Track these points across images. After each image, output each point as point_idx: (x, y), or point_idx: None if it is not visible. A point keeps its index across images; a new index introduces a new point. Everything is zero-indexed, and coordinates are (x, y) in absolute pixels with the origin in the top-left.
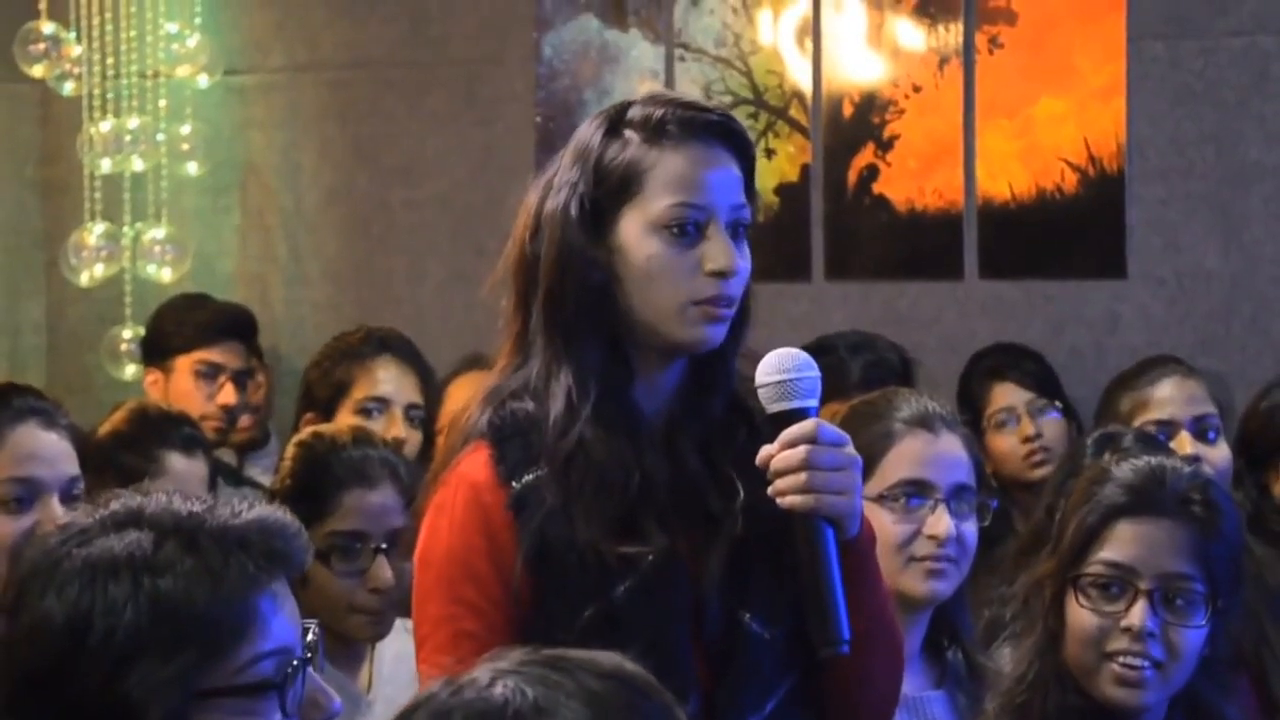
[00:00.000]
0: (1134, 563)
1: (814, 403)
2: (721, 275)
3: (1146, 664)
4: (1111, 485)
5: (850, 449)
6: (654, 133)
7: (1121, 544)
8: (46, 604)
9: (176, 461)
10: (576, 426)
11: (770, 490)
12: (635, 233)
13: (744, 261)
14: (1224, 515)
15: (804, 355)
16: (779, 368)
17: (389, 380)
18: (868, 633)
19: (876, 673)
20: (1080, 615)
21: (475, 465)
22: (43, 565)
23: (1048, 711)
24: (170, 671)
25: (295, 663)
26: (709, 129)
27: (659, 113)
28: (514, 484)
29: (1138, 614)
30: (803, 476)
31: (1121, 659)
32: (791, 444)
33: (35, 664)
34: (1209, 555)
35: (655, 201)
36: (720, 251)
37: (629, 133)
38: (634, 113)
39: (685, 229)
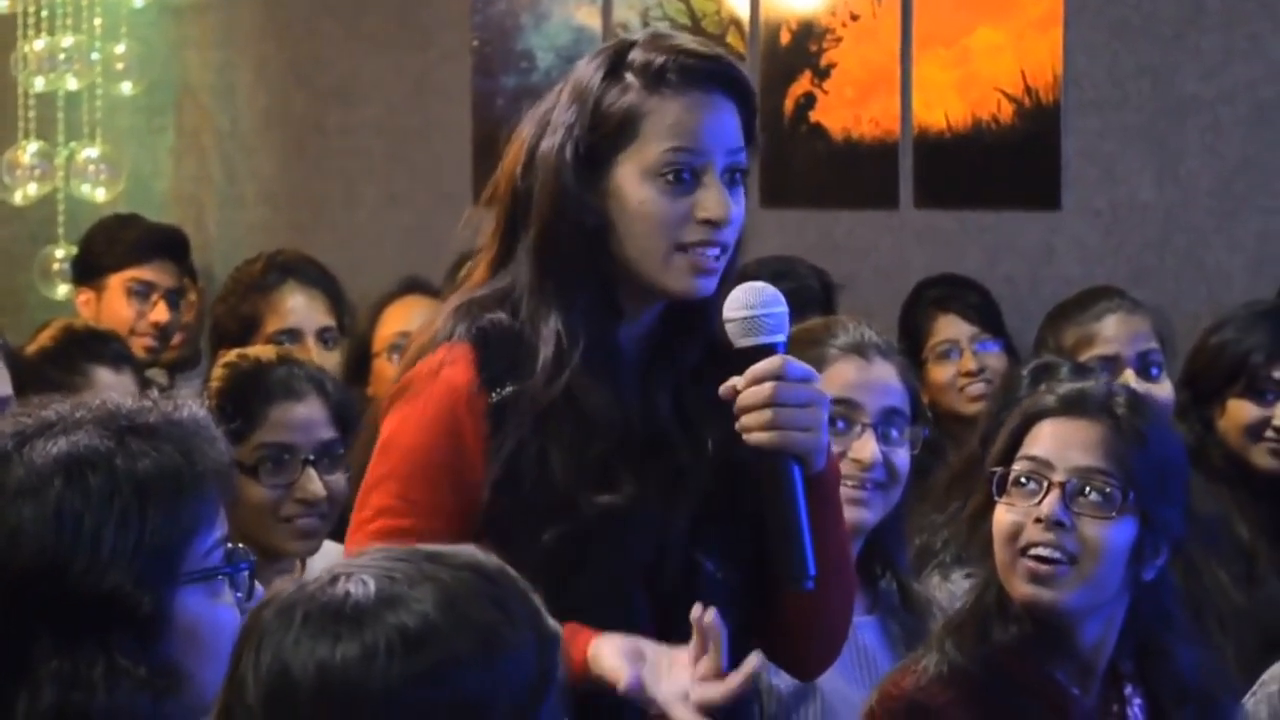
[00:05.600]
0: (1049, 456)
1: (781, 338)
2: (713, 224)
3: (1059, 555)
4: (1042, 394)
5: (817, 384)
6: (654, 79)
7: (1040, 441)
8: (20, 510)
9: (104, 376)
10: (565, 374)
11: (737, 426)
12: (630, 178)
13: (738, 209)
14: (1149, 423)
15: (771, 289)
16: (746, 303)
17: (297, 309)
18: (831, 566)
19: (834, 605)
20: (1000, 514)
21: (457, 367)
22: None
23: (988, 633)
24: (159, 556)
25: (241, 546)
26: (711, 76)
27: (661, 60)
28: (494, 394)
29: (1048, 503)
30: (769, 413)
31: (1033, 551)
32: (758, 380)
33: (14, 571)
34: (1128, 456)
35: (651, 147)
36: (714, 200)
37: (629, 77)
38: (635, 56)
39: (680, 175)
